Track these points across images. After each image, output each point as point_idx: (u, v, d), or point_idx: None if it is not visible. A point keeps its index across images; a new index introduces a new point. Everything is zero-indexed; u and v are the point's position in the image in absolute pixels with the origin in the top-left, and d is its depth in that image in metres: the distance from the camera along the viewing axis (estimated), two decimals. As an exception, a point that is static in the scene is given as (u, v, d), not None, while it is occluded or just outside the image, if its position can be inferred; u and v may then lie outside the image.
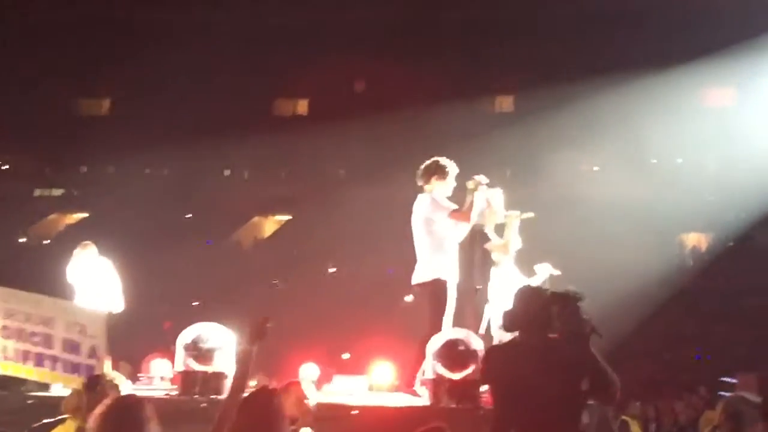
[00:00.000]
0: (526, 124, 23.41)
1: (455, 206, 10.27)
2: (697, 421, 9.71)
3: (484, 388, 7.81)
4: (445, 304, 10.05)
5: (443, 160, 10.48)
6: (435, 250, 10.18)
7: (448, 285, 10.14)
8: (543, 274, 11.17)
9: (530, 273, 11.25)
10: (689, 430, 11.05)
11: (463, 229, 10.55)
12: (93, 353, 9.04)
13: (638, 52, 23.57)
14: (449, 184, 10.46)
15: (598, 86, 22.63)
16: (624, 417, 10.47)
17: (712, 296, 22.75)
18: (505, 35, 25.25)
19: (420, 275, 10.24)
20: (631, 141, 24.43)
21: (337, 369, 15.45)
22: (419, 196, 10.42)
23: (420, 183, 10.44)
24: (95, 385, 6.50)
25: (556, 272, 11.35)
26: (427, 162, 10.55)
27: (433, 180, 10.46)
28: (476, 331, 10.43)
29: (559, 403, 6.16)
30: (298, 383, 7.69)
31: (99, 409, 5.10)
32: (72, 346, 9.02)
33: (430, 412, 8.69)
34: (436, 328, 9.87)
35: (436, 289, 10.14)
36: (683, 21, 24.05)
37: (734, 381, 12.70)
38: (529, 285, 6.93)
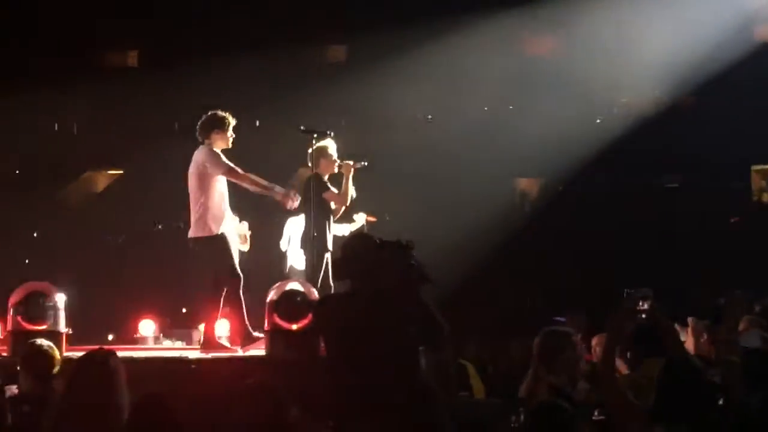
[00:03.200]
0: (359, 73, 23.40)
1: (232, 165, 10.28)
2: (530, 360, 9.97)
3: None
4: (230, 257, 10.13)
5: (221, 113, 10.47)
6: (212, 206, 10.16)
7: (227, 238, 10.22)
8: (360, 221, 11.41)
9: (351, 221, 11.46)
10: (522, 369, 11.35)
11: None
12: None
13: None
14: (228, 136, 10.47)
15: (427, 34, 22.76)
16: (461, 360, 10.64)
17: (545, 239, 23.34)
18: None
19: (199, 230, 10.19)
20: (460, 89, 24.69)
21: (175, 324, 15.35)
22: (199, 148, 10.38)
23: (199, 138, 10.40)
24: None
25: (372, 219, 11.61)
26: (204, 116, 10.52)
27: (213, 134, 10.44)
28: (314, 280, 10.49)
29: (390, 350, 6.27)
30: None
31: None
32: None
33: (268, 364, 8.72)
34: (228, 280, 9.89)
35: (217, 246, 10.17)
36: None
37: (563, 320, 13.12)
38: (358, 233, 7.00)
